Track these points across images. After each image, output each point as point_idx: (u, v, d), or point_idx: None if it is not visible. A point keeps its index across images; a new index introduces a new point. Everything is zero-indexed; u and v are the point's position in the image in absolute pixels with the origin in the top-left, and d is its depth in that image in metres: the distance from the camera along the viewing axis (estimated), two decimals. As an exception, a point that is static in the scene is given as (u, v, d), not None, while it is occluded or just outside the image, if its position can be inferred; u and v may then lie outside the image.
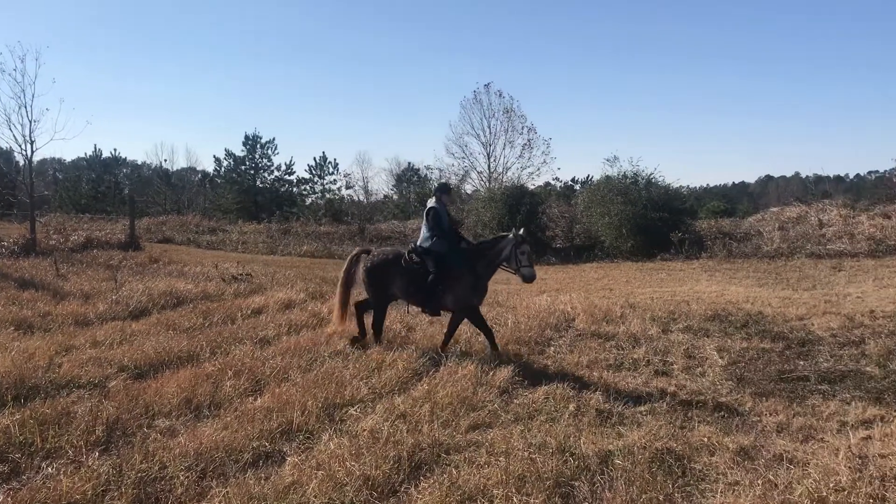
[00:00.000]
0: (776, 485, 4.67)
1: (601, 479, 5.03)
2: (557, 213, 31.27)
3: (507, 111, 44.81)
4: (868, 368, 8.56)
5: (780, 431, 6.37)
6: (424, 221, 9.13)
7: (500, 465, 5.13)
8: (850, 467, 4.91)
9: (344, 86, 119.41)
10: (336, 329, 9.79)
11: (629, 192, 27.39)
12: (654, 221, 25.91)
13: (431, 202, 9.25)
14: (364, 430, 6.04)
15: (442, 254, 8.96)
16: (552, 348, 9.83)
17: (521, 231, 9.01)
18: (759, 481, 4.75)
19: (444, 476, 5.04)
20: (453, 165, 46.46)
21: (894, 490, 4.53)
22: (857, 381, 8.06)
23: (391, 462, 5.25)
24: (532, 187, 38.90)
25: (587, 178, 50.68)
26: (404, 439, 5.74)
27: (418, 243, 9.18)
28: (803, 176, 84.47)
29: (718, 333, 10.85)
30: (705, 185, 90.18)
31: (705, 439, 5.83)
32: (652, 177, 28.38)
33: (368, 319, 9.70)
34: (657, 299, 14.65)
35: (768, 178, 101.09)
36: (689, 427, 6.34)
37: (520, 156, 44.66)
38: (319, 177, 58.12)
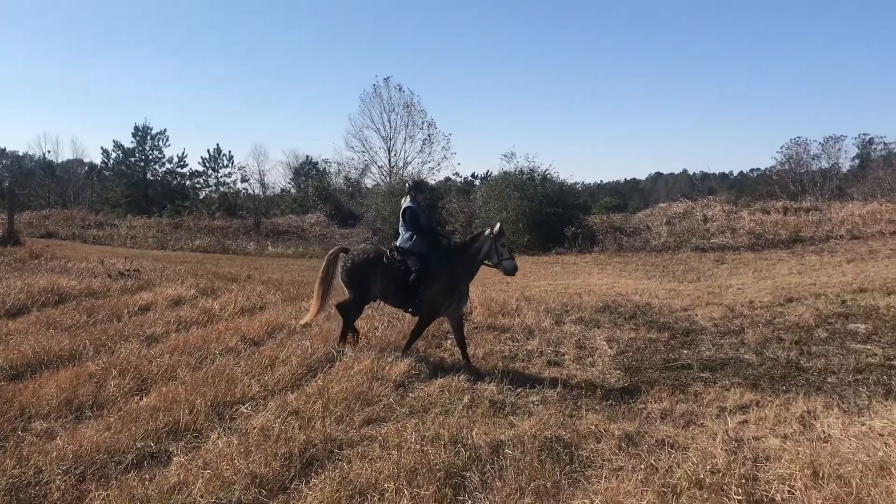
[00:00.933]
0: (657, 469, 4.85)
1: (492, 468, 5.10)
2: (457, 208, 31.54)
3: (408, 105, 44.74)
4: (746, 356, 8.99)
5: (663, 418, 6.62)
6: (402, 222, 8.90)
7: (393, 459, 5.13)
8: (726, 450, 5.15)
9: (239, 76, 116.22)
10: (309, 321, 9.59)
11: (526, 188, 27.93)
12: (550, 216, 26.55)
13: (407, 201, 8.98)
14: (255, 428, 5.90)
15: (423, 254, 8.78)
16: (449, 341, 9.88)
17: (498, 226, 8.79)
18: (642, 466, 4.93)
19: (336, 471, 4.99)
20: (353, 159, 46.09)
21: (765, 470, 4.79)
22: (736, 369, 8.46)
23: (282, 459, 5.16)
24: (433, 182, 39.01)
25: (486, 173, 51.24)
26: (296, 436, 5.64)
27: (397, 244, 8.95)
28: (691, 173, 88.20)
29: (608, 324, 11.18)
30: (599, 182, 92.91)
31: (593, 427, 6.00)
32: (547, 173, 29.10)
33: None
34: (551, 292, 14.98)
35: (658, 174, 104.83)
36: (578, 415, 6.50)
37: (420, 150, 44.64)
38: (213, 169, 56.38)
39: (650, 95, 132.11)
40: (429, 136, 44.41)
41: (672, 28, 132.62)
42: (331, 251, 9.56)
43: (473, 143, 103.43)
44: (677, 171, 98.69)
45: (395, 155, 45.49)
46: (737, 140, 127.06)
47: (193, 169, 55.87)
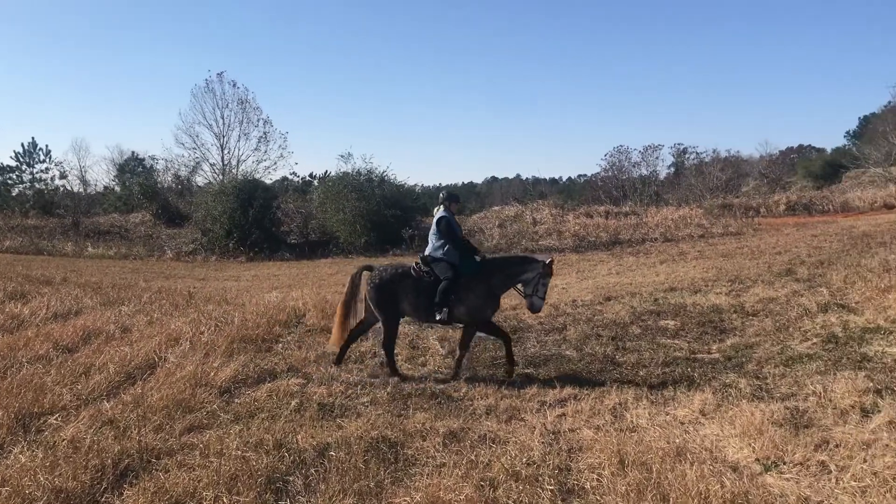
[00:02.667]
0: (477, 463, 5.01)
1: (316, 471, 5.07)
2: (293, 209, 31.03)
3: (242, 102, 43.42)
4: (567, 352, 9.45)
5: (488, 414, 6.85)
6: (435, 231, 8.71)
7: (213, 467, 4.98)
8: (543, 442, 5.41)
9: (57, 65, 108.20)
10: (336, 347, 8.99)
11: (363, 189, 27.94)
12: (388, 218, 26.71)
13: (440, 211, 8.84)
14: (64, 440, 5.55)
15: (454, 263, 8.57)
16: (280, 345, 9.71)
17: (551, 261, 8.62)
18: (463, 461, 5.07)
19: (151, 482, 4.78)
20: (183, 156, 44.14)
21: (578, 460, 5.07)
22: (558, 364, 8.88)
23: (92, 472, 4.88)
24: (269, 181, 38.18)
25: (325, 173, 50.74)
26: (110, 447, 5.36)
27: (427, 253, 8.73)
28: (524, 178, 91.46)
29: (440, 324, 11.36)
30: (438, 184, 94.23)
31: (419, 425, 6.11)
32: (385, 175, 29.21)
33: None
34: (387, 293, 15.04)
35: (493, 179, 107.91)
36: (407, 415, 6.60)
37: (255, 149, 43.45)
38: (28, 164, 52.25)
39: (486, 101, 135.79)
40: (265, 133, 43.36)
41: (506, 34, 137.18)
42: (354, 272, 9.13)
43: (312, 143, 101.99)
44: (511, 175, 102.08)
45: (228, 153, 44.02)
46: (566, 147, 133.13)
47: (4, 164, 51.45)
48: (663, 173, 67.93)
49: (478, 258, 8.77)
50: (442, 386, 7.88)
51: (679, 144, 70.29)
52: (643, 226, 27.60)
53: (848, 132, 74.70)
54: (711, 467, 4.60)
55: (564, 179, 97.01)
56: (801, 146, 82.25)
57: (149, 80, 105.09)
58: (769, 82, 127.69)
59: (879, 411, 6.02)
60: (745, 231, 25.28)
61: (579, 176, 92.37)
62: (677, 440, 5.37)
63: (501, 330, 8.87)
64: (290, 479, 4.94)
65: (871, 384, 6.74)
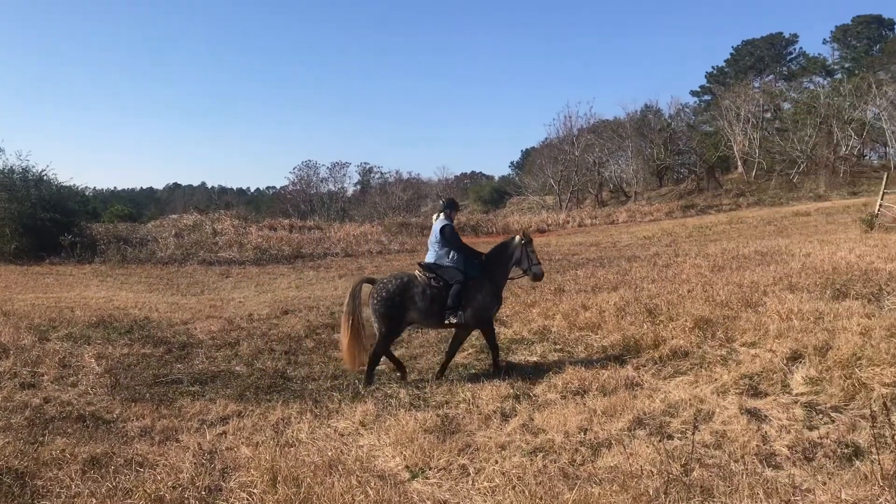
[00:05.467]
0: (117, 490, 4.63)
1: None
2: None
3: None
4: (238, 368, 9.22)
5: (143, 435, 6.43)
6: (438, 238, 8.64)
7: None
8: (195, 463, 5.15)
9: None
10: (350, 367, 8.67)
11: (17, 189, 24.94)
12: (45, 222, 24.15)
13: (442, 219, 8.75)
14: None
15: (460, 269, 8.54)
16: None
17: (524, 231, 8.95)
18: (103, 490, 4.66)
19: None
20: None
21: (231, 479, 4.90)
22: (226, 381, 8.61)
23: None
24: None
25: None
26: None
27: (432, 260, 8.63)
28: (209, 186, 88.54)
29: (101, 340, 10.53)
30: (113, 188, 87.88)
31: (57, 453, 5.50)
32: (45, 174, 26.37)
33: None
34: (39, 306, 13.61)
35: (176, 185, 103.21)
36: (45, 441, 5.94)
37: None
38: None
39: (170, 102, 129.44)
40: None
41: (202, 40, 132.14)
42: (353, 284, 8.79)
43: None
44: (196, 183, 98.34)
45: None
46: (257, 158, 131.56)
47: None
48: (350, 190, 70.12)
49: (477, 261, 8.84)
50: (93, 408, 7.24)
51: (365, 163, 72.96)
52: (326, 240, 28.09)
53: (512, 163, 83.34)
54: (360, 477, 4.72)
55: (253, 190, 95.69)
56: (473, 172, 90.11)
57: None
58: (450, 113, 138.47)
59: (516, 415, 6.67)
60: (419, 249, 26.82)
61: (268, 188, 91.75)
62: (331, 453, 5.46)
63: (496, 339, 8.87)
64: None
65: (512, 390, 7.45)
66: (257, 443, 5.96)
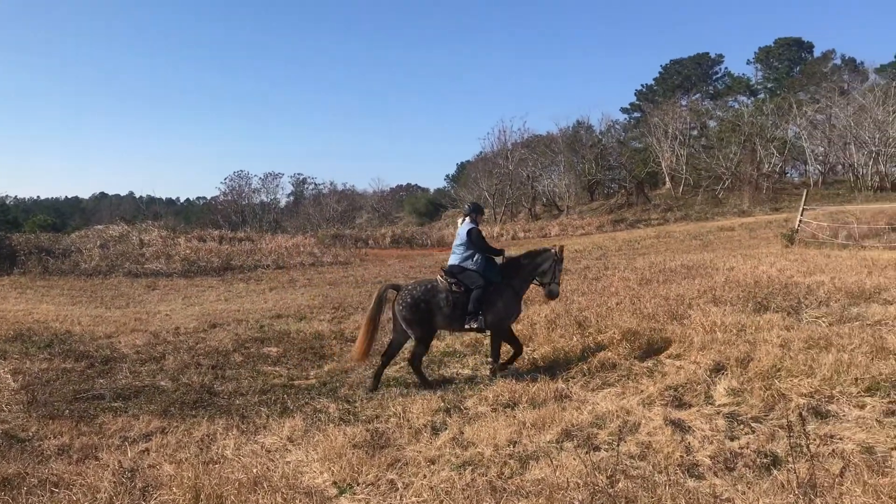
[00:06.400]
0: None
1: None
2: None
3: None
4: (163, 383, 8.96)
5: (61, 454, 6.20)
6: (464, 241, 8.72)
7: None
8: (115, 482, 4.99)
9: None
10: (357, 362, 9.19)
11: (-71, 197, 23.92)
12: (-42, 233, 23.17)
13: (467, 222, 8.87)
14: None
15: (482, 273, 8.61)
16: None
17: (562, 247, 8.89)
18: (13, 512, 4.47)
19: None
20: None
21: (152, 498, 4.76)
22: (150, 396, 8.35)
23: None
24: None
25: None
26: None
27: (456, 263, 8.71)
28: (137, 196, 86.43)
29: (18, 355, 10.17)
30: (36, 197, 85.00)
31: (-36, 475, 5.27)
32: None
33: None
34: (-47, 320, 13.01)
35: (103, 194, 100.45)
36: (-47, 463, 5.66)
37: None
38: None
39: (96, 108, 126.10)
40: None
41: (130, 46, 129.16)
42: (379, 291, 8.89)
43: None
44: (124, 192, 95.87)
45: None
46: (187, 167, 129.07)
47: None
48: (283, 201, 69.36)
49: (500, 260, 8.94)
50: (6, 426, 6.95)
51: (299, 174, 72.31)
52: (257, 252, 27.68)
53: (448, 175, 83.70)
54: (286, 495, 4.64)
55: (183, 200, 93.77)
56: (409, 185, 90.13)
57: None
58: (385, 126, 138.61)
59: (447, 429, 6.66)
60: (353, 261, 26.70)
61: (199, 198, 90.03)
62: (256, 469, 5.35)
63: (518, 340, 8.93)
64: None
65: (443, 404, 7.44)
66: (181, 460, 5.80)
